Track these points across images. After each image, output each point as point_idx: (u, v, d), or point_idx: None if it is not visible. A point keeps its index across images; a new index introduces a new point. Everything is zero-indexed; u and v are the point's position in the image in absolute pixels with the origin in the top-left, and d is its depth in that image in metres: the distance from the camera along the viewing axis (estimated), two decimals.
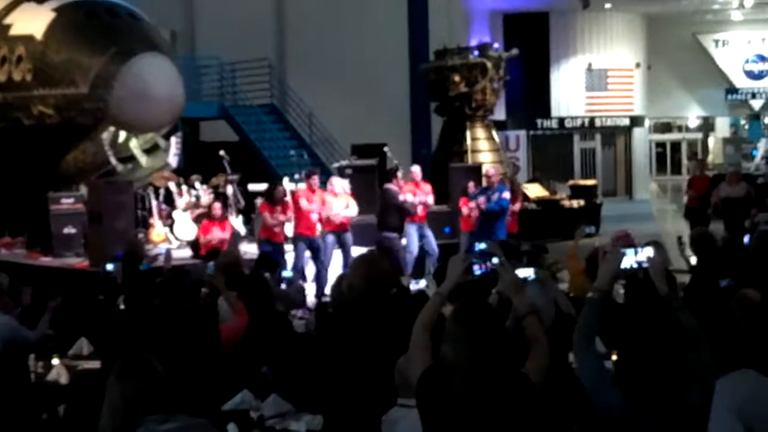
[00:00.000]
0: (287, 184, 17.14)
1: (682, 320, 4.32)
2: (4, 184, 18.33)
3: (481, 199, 16.05)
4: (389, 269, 6.67)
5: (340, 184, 15.99)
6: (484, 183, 17.63)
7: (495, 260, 4.62)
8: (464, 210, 16.84)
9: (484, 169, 19.17)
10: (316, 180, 15.79)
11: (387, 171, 16.89)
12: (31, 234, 18.28)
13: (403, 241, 16.19)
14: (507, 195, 16.33)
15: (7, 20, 18.87)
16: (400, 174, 16.44)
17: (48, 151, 18.05)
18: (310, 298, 15.01)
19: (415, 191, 16.46)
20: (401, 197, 15.93)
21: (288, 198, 15.69)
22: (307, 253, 15.47)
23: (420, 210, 16.40)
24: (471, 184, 17.47)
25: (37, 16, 18.41)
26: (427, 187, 16.79)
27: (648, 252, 4.58)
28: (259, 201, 16.83)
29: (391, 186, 16.09)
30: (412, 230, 16.29)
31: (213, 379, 6.34)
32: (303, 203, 15.26)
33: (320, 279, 15.35)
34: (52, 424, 5.21)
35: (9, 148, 18.15)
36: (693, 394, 4.11)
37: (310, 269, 15.63)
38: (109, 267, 13.56)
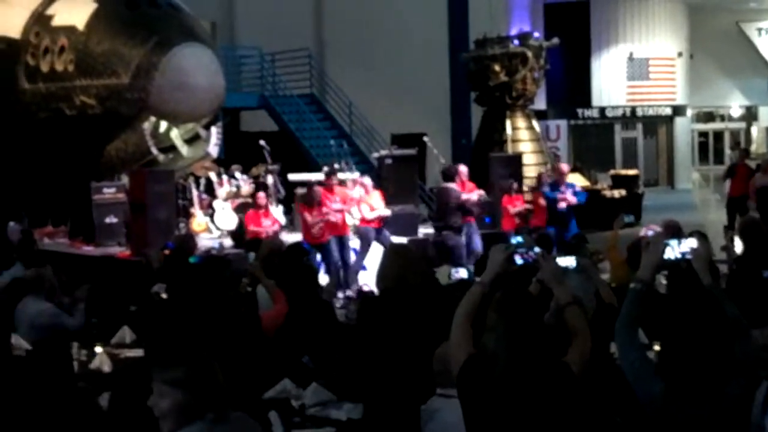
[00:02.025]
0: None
1: (725, 311, 4.28)
2: (47, 174, 18.50)
3: (573, 198, 16.06)
4: (419, 258, 6.68)
5: (369, 182, 15.95)
6: (546, 179, 17.39)
7: (537, 249, 4.59)
8: (510, 209, 16.70)
9: (558, 165, 19.24)
10: (333, 180, 15.71)
11: (447, 169, 16.61)
12: (74, 223, 18.43)
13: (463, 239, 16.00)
14: (579, 188, 16.61)
15: (50, 11, 19.02)
16: (464, 173, 16.13)
17: (90, 141, 18.19)
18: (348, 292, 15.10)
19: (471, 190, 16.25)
20: (464, 196, 15.73)
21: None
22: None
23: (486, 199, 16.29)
24: (514, 184, 17.26)
25: (79, 7, 18.55)
26: (471, 186, 16.63)
27: (691, 243, 4.54)
28: (299, 191, 16.81)
29: (452, 185, 15.85)
30: (473, 228, 16.06)
31: (254, 368, 6.36)
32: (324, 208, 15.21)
33: (346, 275, 15.28)
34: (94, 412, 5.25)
35: (52, 138, 18.31)
36: (735, 385, 4.08)
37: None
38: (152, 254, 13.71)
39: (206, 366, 4.02)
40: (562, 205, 15.92)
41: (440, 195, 16.25)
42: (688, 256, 4.53)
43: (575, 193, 16.10)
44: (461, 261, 15.02)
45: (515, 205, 16.81)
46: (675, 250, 4.49)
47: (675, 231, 8.64)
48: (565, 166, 17.41)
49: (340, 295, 14.38)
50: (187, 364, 3.99)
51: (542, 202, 16.55)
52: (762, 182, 18.70)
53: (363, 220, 15.63)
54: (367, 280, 14.79)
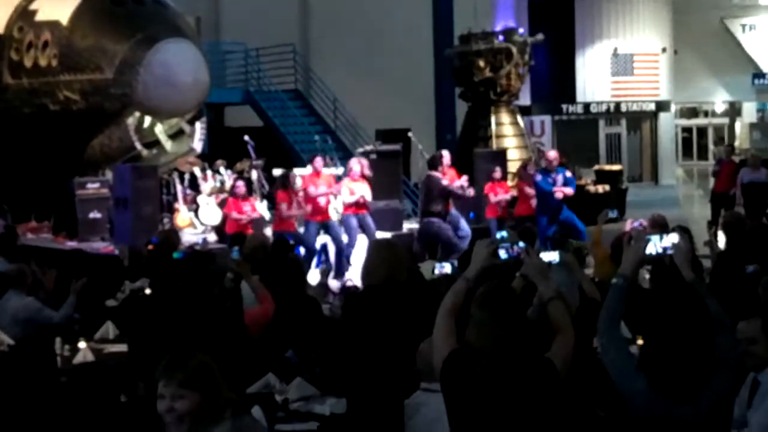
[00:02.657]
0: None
1: (707, 306, 4.30)
2: (31, 170, 18.44)
3: (569, 190, 15.94)
4: (405, 254, 6.68)
5: (358, 167, 15.76)
6: (543, 165, 17.26)
7: (521, 244, 4.61)
8: (492, 198, 16.81)
9: (547, 152, 19.03)
10: (319, 162, 15.66)
11: (432, 157, 16.60)
12: (57, 219, 18.38)
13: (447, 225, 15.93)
14: (569, 173, 16.39)
15: (33, 6, 18.92)
16: (446, 160, 16.09)
17: (74, 136, 18.14)
18: (333, 282, 15.08)
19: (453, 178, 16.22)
20: (444, 182, 15.70)
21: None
22: (326, 238, 15.43)
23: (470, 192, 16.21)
24: (497, 171, 17.32)
25: (63, 2, 18.47)
26: (452, 173, 16.60)
27: (673, 238, 4.55)
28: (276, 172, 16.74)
29: (435, 173, 15.84)
30: (456, 213, 16.00)
31: (238, 363, 6.36)
32: (311, 190, 15.17)
33: (339, 262, 15.32)
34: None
35: (35, 133, 18.24)
36: (717, 380, 4.10)
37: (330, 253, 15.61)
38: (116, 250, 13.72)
39: (211, 364, 4.05)
40: (559, 195, 15.91)
41: (424, 183, 16.24)
42: (670, 251, 4.55)
43: (567, 181, 15.97)
44: (450, 246, 14.98)
45: (497, 193, 16.87)
46: (657, 245, 4.51)
47: (661, 226, 8.68)
48: (552, 153, 17.17)
49: (334, 283, 14.45)
50: (198, 364, 4.01)
51: (528, 190, 16.59)
52: (749, 178, 18.79)
53: (345, 207, 15.55)
54: (352, 275, 14.79)
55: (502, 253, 4.55)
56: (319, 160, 15.60)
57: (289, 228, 15.04)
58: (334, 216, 15.72)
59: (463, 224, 15.68)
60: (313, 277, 14.77)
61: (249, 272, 7.75)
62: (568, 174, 16.27)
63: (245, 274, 7.73)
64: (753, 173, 18.85)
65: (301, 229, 15.52)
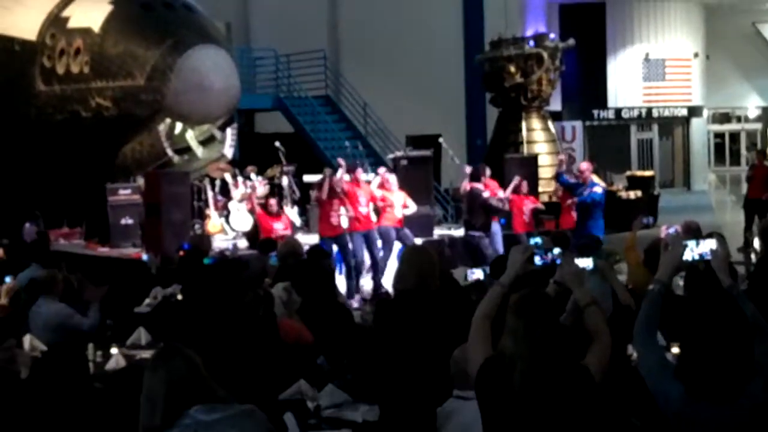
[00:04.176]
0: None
1: (745, 312, 4.24)
2: (63, 176, 18.55)
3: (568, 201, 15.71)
4: (437, 260, 6.64)
5: (395, 181, 15.90)
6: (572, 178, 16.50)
7: (556, 251, 4.57)
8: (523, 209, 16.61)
9: (578, 164, 18.37)
10: (360, 173, 15.72)
11: (474, 169, 16.51)
12: (89, 224, 18.47)
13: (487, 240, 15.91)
14: (598, 189, 15.61)
15: (65, 13, 19.07)
16: (488, 172, 16.06)
17: (106, 142, 18.24)
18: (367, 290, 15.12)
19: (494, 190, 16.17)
20: (485, 194, 15.66)
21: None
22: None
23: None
24: (522, 182, 16.94)
25: (95, 9, 18.60)
26: (494, 184, 16.50)
27: (711, 244, 4.50)
28: (313, 193, 16.78)
29: (476, 185, 15.82)
30: (496, 228, 15.99)
31: (270, 369, 6.35)
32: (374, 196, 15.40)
33: (376, 272, 15.36)
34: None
35: (68, 139, 18.35)
36: (755, 387, 4.03)
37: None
38: (144, 257, 13.75)
39: (195, 360, 4.06)
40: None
41: (466, 196, 16.20)
42: (707, 257, 4.50)
43: (591, 194, 15.60)
44: (485, 260, 14.97)
45: (524, 205, 16.58)
46: (694, 251, 4.46)
47: (694, 232, 8.59)
48: (584, 165, 16.48)
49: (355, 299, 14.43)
50: (180, 361, 4.04)
51: (570, 200, 15.98)
52: None
53: (382, 219, 15.61)
54: (384, 281, 14.81)
55: (537, 260, 4.52)
56: (360, 171, 15.67)
57: (336, 232, 15.01)
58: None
59: (497, 240, 15.68)
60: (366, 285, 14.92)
61: (294, 311, 7.71)
62: (596, 189, 15.56)
63: (291, 311, 7.69)
64: None
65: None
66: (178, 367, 4.04)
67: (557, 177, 16.69)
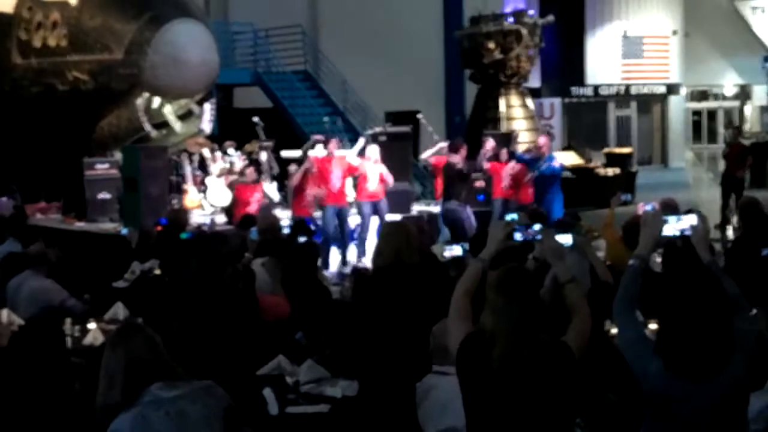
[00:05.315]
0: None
1: (725, 288, 4.25)
2: (40, 150, 18.42)
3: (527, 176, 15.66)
4: (416, 236, 6.64)
5: (374, 152, 15.80)
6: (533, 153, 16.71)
7: (537, 226, 4.57)
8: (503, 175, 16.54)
9: (536, 139, 18.39)
10: (334, 145, 15.69)
11: (451, 143, 16.51)
12: (67, 199, 18.37)
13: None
14: (556, 164, 15.85)
15: None
16: (464, 150, 15.98)
17: (83, 116, 18.12)
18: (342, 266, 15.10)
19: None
20: (459, 166, 15.59)
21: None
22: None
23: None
24: (504, 152, 16.89)
25: None
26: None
27: (691, 219, 4.51)
28: (292, 168, 16.74)
29: (453, 157, 15.75)
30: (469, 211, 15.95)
31: (249, 344, 6.34)
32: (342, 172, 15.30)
33: (344, 248, 15.34)
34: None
35: (44, 113, 18.22)
36: (734, 363, 4.05)
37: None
38: (124, 231, 13.69)
39: (149, 339, 4.10)
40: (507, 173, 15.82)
41: (444, 170, 16.08)
42: (687, 233, 4.51)
43: (549, 167, 15.57)
44: (465, 234, 14.94)
45: (502, 171, 16.52)
46: (674, 226, 4.47)
47: (672, 209, 8.63)
48: (542, 139, 16.62)
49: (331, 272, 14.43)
50: (130, 339, 4.07)
51: (528, 175, 16.02)
52: None
53: (358, 194, 15.60)
54: (365, 257, 14.82)
55: (518, 236, 4.52)
56: (334, 143, 15.62)
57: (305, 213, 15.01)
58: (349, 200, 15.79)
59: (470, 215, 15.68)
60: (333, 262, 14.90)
61: (279, 283, 7.71)
62: (555, 163, 15.74)
63: (273, 276, 7.70)
64: None
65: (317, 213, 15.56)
66: (138, 345, 4.06)
67: (512, 154, 16.59)
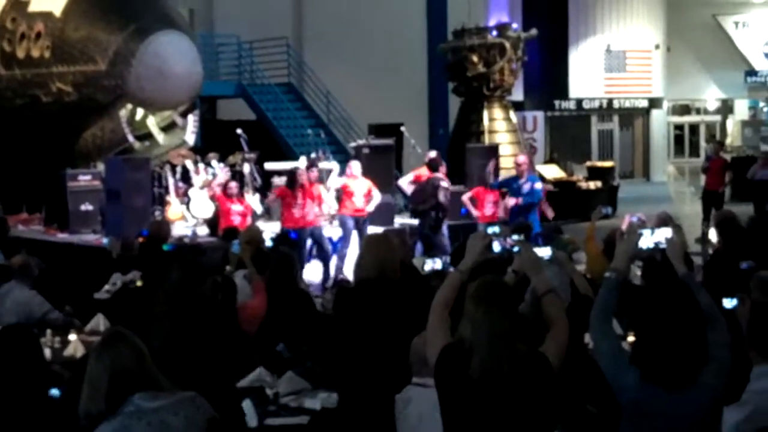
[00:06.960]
0: (302, 162, 17.13)
1: (699, 301, 4.30)
2: (23, 161, 18.40)
3: (511, 201, 14.93)
4: (399, 249, 6.67)
5: (358, 168, 15.83)
6: (514, 172, 15.80)
7: (515, 237, 4.60)
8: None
9: (515, 156, 17.64)
10: (314, 174, 15.73)
11: (431, 160, 16.16)
12: (49, 210, 18.33)
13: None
14: (539, 185, 15.26)
15: None
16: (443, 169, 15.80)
17: (66, 127, 18.12)
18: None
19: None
20: (443, 183, 15.44)
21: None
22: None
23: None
24: (491, 166, 16.73)
25: None
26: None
27: (666, 232, 4.55)
28: (276, 181, 16.75)
29: (437, 175, 15.60)
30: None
31: (229, 356, 6.35)
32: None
33: (327, 264, 15.31)
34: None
35: (27, 124, 18.21)
36: (709, 374, 4.10)
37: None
38: (104, 241, 13.67)
39: (134, 348, 4.08)
40: (511, 202, 14.95)
41: (426, 182, 15.84)
42: (663, 246, 4.55)
43: (532, 190, 14.92)
44: (441, 249, 14.95)
45: (485, 199, 15.79)
46: (649, 239, 4.51)
47: (664, 223, 8.68)
48: (521, 158, 15.82)
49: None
50: (116, 349, 4.05)
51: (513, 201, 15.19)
52: (761, 175, 18.92)
53: (342, 207, 15.62)
54: (345, 269, 14.81)
55: (496, 246, 4.55)
56: (313, 174, 15.70)
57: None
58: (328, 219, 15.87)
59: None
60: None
61: (251, 261, 7.82)
62: (537, 185, 15.11)
63: (247, 263, 7.78)
64: (762, 170, 19.01)
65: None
66: (124, 354, 4.04)
67: (488, 186, 16.09)
